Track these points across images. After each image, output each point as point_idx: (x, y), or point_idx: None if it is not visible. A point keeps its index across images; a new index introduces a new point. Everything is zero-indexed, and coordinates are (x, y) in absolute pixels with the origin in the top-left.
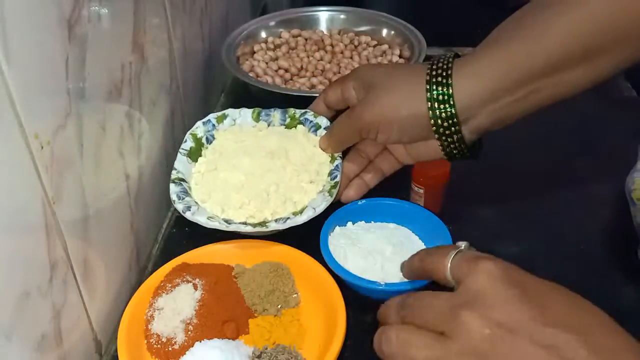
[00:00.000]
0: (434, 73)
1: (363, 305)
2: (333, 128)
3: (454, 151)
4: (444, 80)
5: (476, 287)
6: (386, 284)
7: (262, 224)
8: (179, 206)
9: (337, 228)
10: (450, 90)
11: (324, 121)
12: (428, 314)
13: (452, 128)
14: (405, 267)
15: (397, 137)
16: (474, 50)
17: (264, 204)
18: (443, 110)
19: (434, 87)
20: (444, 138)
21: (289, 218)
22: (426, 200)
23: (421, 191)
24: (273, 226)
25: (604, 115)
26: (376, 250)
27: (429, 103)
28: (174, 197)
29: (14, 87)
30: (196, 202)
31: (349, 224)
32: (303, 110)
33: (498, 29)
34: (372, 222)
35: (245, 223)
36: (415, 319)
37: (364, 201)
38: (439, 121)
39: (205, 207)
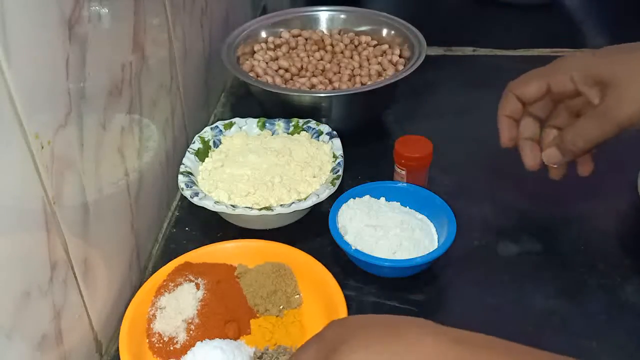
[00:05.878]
0: None
1: (365, 306)
2: (576, 134)
3: None
4: None
5: None
6: (355, 250)
7: (267, 208)
8: (187, 192)
9: (362, 198)
10: None
11: (326, 128)
12: None
13: None
14: None
15: None
16: None
17: (269, 192)
18: None
19: None
20: None
21: (293, 202)
22: (409, 182)
23: (403, 172)
24: (278, 210)
25: None
26: (383, 224)
27: None
28: (182, 185)
29: (14, 87)
30: (203, 192)
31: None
32: (306, 120)
33: None
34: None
35: (250, 207)
36: None
37: (404, 184)
38: None
39: (212, 196)
